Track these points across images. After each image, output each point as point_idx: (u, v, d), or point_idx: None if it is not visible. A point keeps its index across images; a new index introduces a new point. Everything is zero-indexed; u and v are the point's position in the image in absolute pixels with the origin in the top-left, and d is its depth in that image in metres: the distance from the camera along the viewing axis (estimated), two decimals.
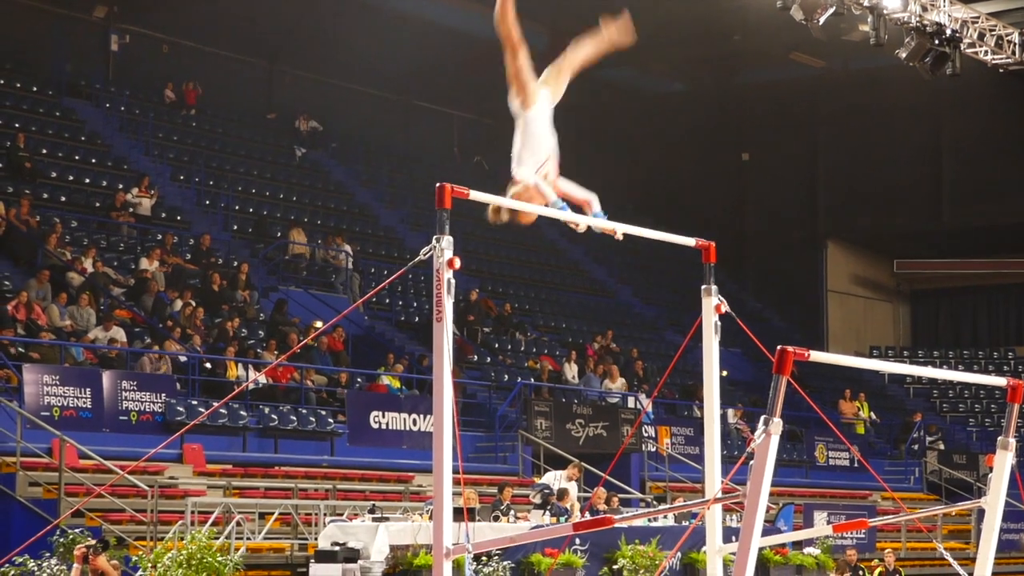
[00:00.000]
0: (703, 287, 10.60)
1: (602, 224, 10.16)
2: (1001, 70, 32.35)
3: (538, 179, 10.09)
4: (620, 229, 10.27)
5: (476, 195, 9.29)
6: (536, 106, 10.32)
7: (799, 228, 48.80)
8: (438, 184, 9.01)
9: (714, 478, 10.35)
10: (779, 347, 8.05)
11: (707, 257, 10.75)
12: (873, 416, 41.32)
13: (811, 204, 49.04)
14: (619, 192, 46.25)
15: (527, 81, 10.35)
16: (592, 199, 10.38)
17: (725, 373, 33.67)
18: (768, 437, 7.93)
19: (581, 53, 10.70)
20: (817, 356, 8.60)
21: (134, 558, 18.53)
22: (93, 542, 16.35)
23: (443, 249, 8.80)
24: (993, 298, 50.19)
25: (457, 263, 8.83)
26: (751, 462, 8.06)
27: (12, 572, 17.49)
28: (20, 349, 24.84)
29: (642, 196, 46.00)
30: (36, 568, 17.47)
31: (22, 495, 21.47)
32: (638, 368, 36.82)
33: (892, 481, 37.21)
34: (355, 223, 38.74)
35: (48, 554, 17.74)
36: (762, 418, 8.02)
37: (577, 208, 10.30)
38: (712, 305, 10.52)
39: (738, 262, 47.19)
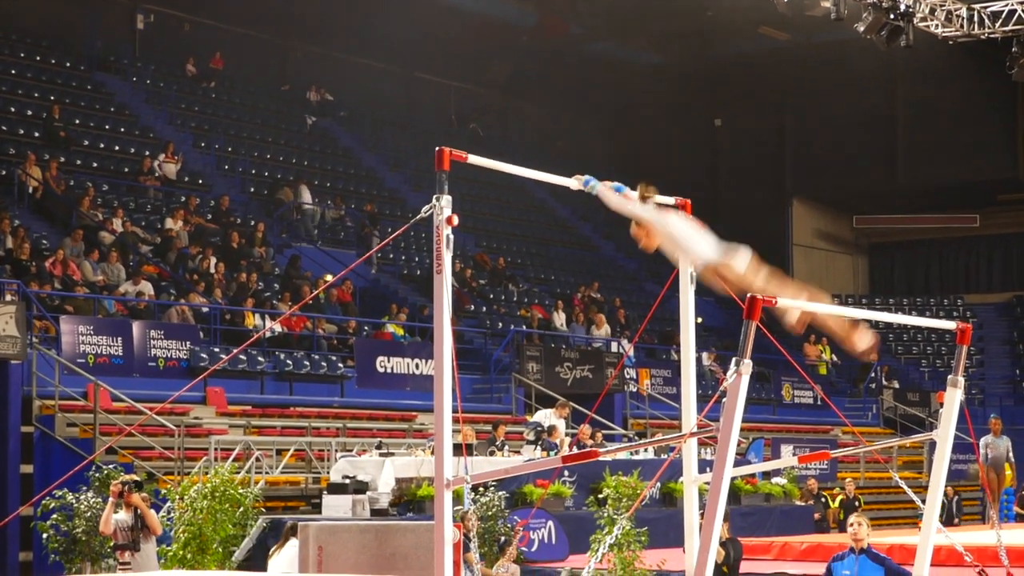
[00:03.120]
0: None
1: (592, 186, 10.01)
2: (950, 42, 32.27)
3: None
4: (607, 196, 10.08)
5: (473, 159, 9.25)
6: (710, 272, 9.85)
7: (767, 188, 48.72)
8: (437, 148, 8.97)
9: (690, 415, 10.35)
10: (749, 295, 8.04)
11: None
12: (834, 358, 41.38)
13: (778, 165, 48.97)
14: (601, 157, 46.29)
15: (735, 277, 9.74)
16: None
17: (700, 320, 33.67)
18: (739, 377, 7.94)
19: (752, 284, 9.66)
20: (784, 303, 8.60)
21: (163, 491, 18.57)
22: (129, 479, 16.34)
23: (442, 207, 8.76)
24: (943, 250, 50.21)
25: (455, 220, 8.80)
26: (724, 400, 8.07)
27: (53, 504, 17.51)
28: (57, 302, 24.85)
29: (623, 160, 45.86)
30: (75, 500, 17.49)
31: (61, 435, 21.52)
32: (621, 316, 36.84)
33: (852, 417, 37.29)
34: (361, 185, 38.69)
35: (85, 488, 17.76)
36: (733, 360, 8.02)
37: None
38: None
39: (711, 219, 46.73)
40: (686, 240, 9.80)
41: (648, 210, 9.85)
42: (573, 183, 9.82)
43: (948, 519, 28.59)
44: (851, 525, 13.20)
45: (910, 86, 45.57)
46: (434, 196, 8.80)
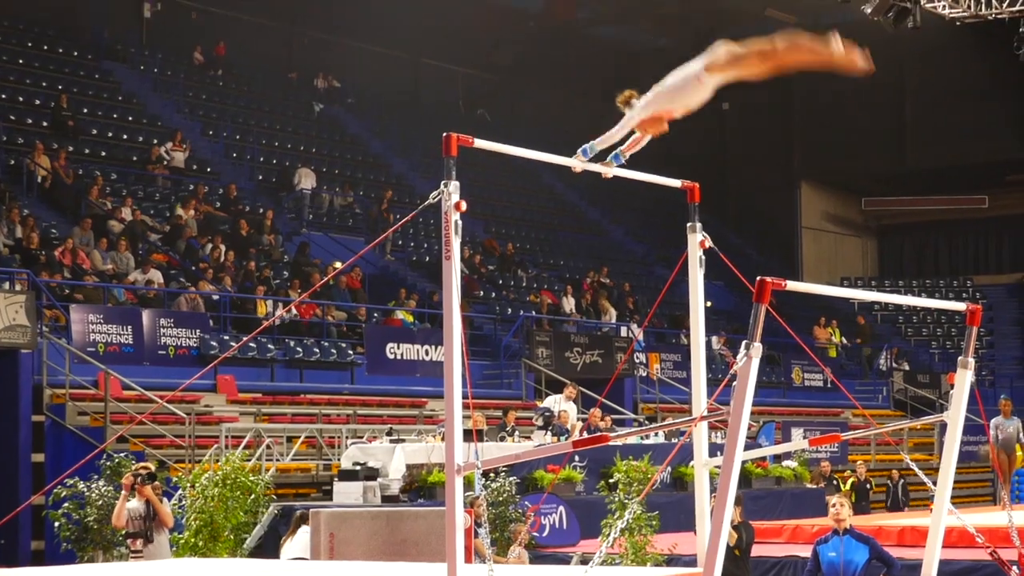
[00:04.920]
0: (688, 225, 10.55)
1: (594, 167, 10.05)
2: (958, 23, 32.19)
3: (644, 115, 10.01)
4: (612, 172, 10.19)
5: (480, 143, 9.22)
6: (712, 78, 10.03)
7: (775, 170, 48.69)
8: (445, 134, 8.94)
9: (700, 399, 10.33)
10: (758, 278, 8.02)
11: (692, 197, 10.69)
12: (844, 341, 41.35)
13: (786, 148, 48.95)
14: None
15: (732, 59, 10.03)
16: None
17: (709, 303, 33.63)
18: (749, 360, 7.91)
19: (793, 56, 10.05)
20: (793, 286, 8.57)
21: (174, 479, 18.58)
22: (142, 468, 16.30)
23: (450, 193, 8.72)
24: (952, 232, 50.21)
25: (464, 206, 8.76)
26: (734, 384, 8.04)
27: (64, 493, 17.53)
28: (67, 291, 24.87)
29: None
30: (86, 489, 17.50)
31: (72, 424, 21.54)
32: (630, 301, 36.81)
33: (862, 399, 37.26)
34: (369, 172, 38.67)
35: (96, 476, 17.77)
36: (743, 343, 7.99)
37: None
38: (697, 241, 10.47)
39: (720, 202, 47.09)
40: (677, 80, 9.88)
41: (639, 108, 10.05)
42: (576, 163, 9.84)
43: (894, 505, 28.48)
44: (832, 506, 13.09)
45: (918, 68, 45.49)
46: (442, 182, 8.77)
